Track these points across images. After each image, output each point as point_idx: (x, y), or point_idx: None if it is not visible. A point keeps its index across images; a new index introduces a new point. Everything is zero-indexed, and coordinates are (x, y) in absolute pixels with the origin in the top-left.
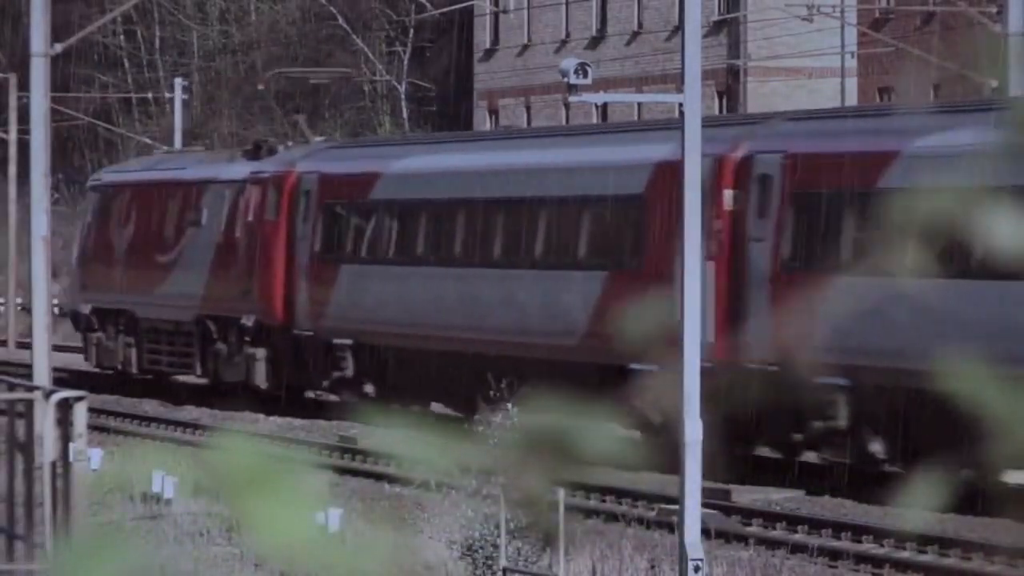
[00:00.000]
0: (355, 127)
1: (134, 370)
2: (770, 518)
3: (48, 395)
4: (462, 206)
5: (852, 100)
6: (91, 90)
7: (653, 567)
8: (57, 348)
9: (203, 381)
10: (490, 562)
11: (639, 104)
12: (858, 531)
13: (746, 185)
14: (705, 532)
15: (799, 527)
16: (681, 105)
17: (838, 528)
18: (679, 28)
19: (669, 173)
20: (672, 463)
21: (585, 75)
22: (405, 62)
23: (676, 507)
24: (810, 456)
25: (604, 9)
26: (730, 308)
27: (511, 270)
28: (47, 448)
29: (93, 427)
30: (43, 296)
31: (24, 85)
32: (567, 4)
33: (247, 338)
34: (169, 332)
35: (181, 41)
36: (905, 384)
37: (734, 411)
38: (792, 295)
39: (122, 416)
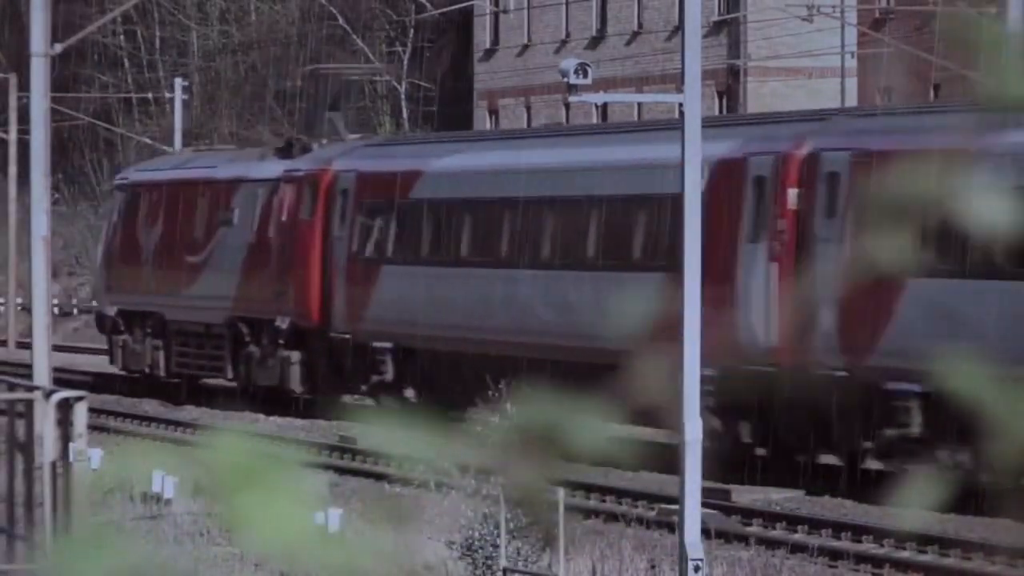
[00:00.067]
0: (355, 127)
1: (162, 373)
2: (770, 518)
3: (48, 395)
4: (511, 205)
5: (852, 100)
6: (91, 90)
7: (653, 567)
8: (57, 348)
9: (233, 384)
10: (490, 562)
11: (639, 104)
12: (858, 531)
13: (812, 183)
14: (705, 532)
15: (799, 527)
16: (681, 105)
17: (838, 528)
18: (679, 28)
19: (729, 171)
20: (725, 468)
21: (585, 75)
22: (405, 62)
23: (676, 507)
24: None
25: (604, 9)
26: (794, 311)
27: (562, 271)
28: (47, 448)
29: (93, 427)
30: (43, 296)
31: (24, 85)
32: (567, 4)
33: (281, 341)
34: (199, 334)
35: (181, 41)
36: (983, 390)
37: (798, 418)
38: (862, 298)
39: (122, 416)
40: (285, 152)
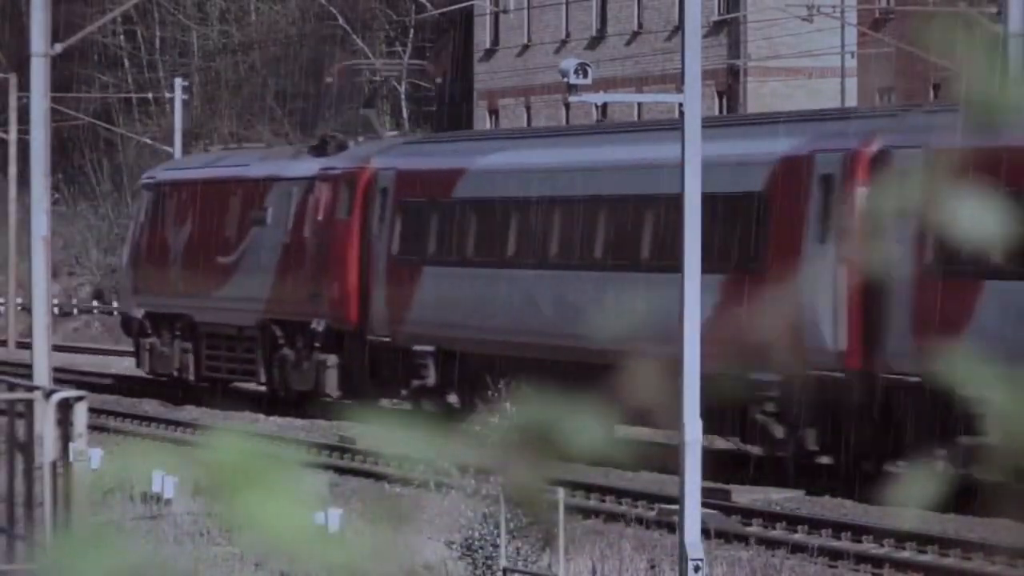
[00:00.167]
0: (355, 127)
1: (191, 377)
2: (770, 518)
3: (48, 395)
4: (560, 204)
5: (852, 100)
6: (91, 90)
7: (653, 567)
8: (57, 348)
9: (264, 389)
10: (490, 562)
11: (639, 104)
12: (858, 531)
13: (882, 181)
14: (705, 532)
15: (799, 527)
16: (681, 105)
17: (838, 528)
18: (679, 28)
19: (793, 168)
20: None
21: (585, 75)
22: (405, 62)
23: (676, 507)
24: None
25: (604, 9)
26: (864, 315)
27: (613, 272)
28: (47, 448)
29: (93, 427)
30: (43, 296)
31: (24, 85)
32: (567, 4)
33: (317, 344)
34: (230, 337)
35: (181, 41)
36: None
37: (868, 425)
38: (937, 300)
39: (122, 416)
40: (320, 150)
